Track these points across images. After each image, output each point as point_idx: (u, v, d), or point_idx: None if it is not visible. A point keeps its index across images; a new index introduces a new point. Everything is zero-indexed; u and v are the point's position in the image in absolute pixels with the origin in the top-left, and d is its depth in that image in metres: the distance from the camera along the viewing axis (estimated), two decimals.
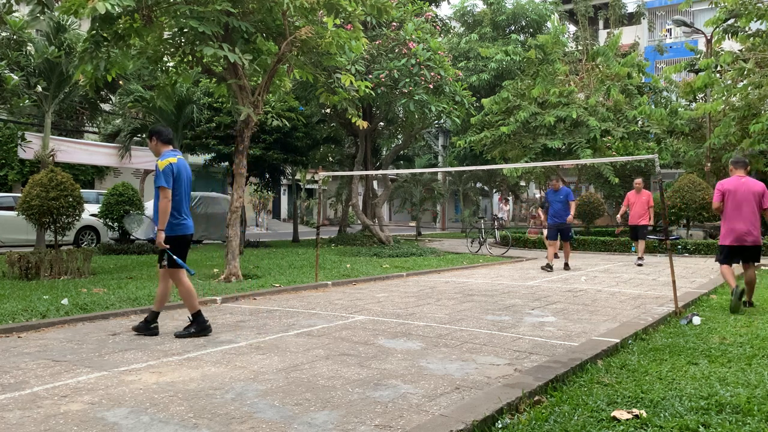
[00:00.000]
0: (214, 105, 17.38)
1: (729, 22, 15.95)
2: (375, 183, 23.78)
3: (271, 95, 13.26)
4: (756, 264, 7.26)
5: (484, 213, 33.96)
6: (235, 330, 5.99)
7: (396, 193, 29.02)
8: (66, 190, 9.94)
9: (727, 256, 7.18)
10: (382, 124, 20.58)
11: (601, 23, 34.33)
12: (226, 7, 8.61)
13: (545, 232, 14.26)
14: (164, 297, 5.84)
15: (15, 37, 13.77)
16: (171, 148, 5.86)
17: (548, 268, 12.07)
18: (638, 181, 13.67)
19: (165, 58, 10.26)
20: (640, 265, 13.22)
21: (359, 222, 21.23)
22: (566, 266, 12.49)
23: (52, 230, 10.32)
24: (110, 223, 14.92)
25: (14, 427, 3.33)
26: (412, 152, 28.10)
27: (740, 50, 17.05)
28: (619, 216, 14.51)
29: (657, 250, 16.53)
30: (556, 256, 13.15)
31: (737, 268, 7.39)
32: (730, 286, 7.08)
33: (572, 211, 12.37)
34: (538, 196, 44.42)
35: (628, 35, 29.55)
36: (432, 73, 15.51)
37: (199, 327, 5.69)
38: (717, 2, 15.83)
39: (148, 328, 5.74)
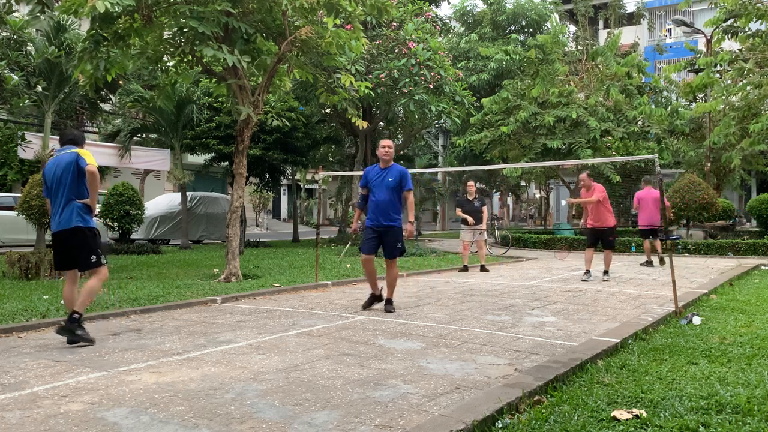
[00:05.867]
0: (214, 105, 17.37)
1: (729, 22, 15.95)
2: None
3: (271, 95, 13.25)
4: (656, 239, 13.04)
5: None
6: (235, 330, 5.99)
7: None
8: None
9: (641, 233, 13.30)
10: (382, 124, 20.58)
11: (601, 23, 34.31)
12: (226, 7, 8.61)
13: (464, 234, 12.21)
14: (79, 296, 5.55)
15: (15, 37, 13.74)
16: (65, 146, 5.61)
17: (464, 269, 11.96)
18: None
19: (165, 58, 10.25)
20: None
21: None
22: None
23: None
24: (110, 223, 14.91)
25: (14, 427, 3.33)
26: (412, 152, 28.10)
27: (740, 50, 17.06)
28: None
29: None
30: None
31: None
32: (646, 253, 13.07)
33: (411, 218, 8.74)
34: (537, 196, 44.48)
35: (628, 35, 29.51)
36: (432, 73, 15.52)
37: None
38: (717, 2, 15.84)
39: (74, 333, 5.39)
